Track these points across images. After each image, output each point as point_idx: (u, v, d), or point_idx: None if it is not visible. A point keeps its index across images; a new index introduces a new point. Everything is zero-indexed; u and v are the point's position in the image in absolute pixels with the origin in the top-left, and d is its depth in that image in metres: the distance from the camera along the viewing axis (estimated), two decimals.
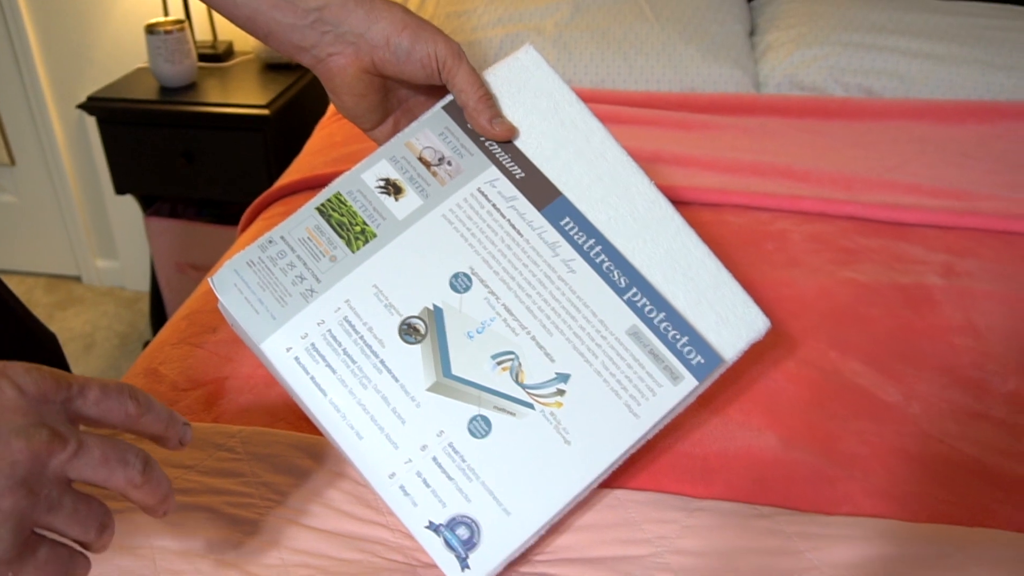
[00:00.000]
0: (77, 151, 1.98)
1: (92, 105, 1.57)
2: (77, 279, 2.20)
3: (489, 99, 0.57)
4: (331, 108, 1.37)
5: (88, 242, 2.12)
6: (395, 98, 0.61)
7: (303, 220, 0.55)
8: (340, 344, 0.52)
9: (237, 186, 1.59)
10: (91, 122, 1.63)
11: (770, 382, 0.68)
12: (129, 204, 1.97)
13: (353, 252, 0.54)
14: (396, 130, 0.60)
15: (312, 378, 0.52)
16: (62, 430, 0.36)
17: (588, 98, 1.27)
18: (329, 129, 1.28)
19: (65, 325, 2.04)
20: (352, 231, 0.55)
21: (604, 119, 0.60)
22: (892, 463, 0.61)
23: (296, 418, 0.66)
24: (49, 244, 2.15)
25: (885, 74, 1.24)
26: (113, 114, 1.57)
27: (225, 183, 1.60)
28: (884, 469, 0.60)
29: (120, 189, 1.67)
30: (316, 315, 0.53)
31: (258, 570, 0.53)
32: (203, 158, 1.57)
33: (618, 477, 0.59)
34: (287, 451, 0.61)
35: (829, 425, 0.64)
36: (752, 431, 0.63)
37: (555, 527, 0.56)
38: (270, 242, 0.54)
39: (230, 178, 1.59)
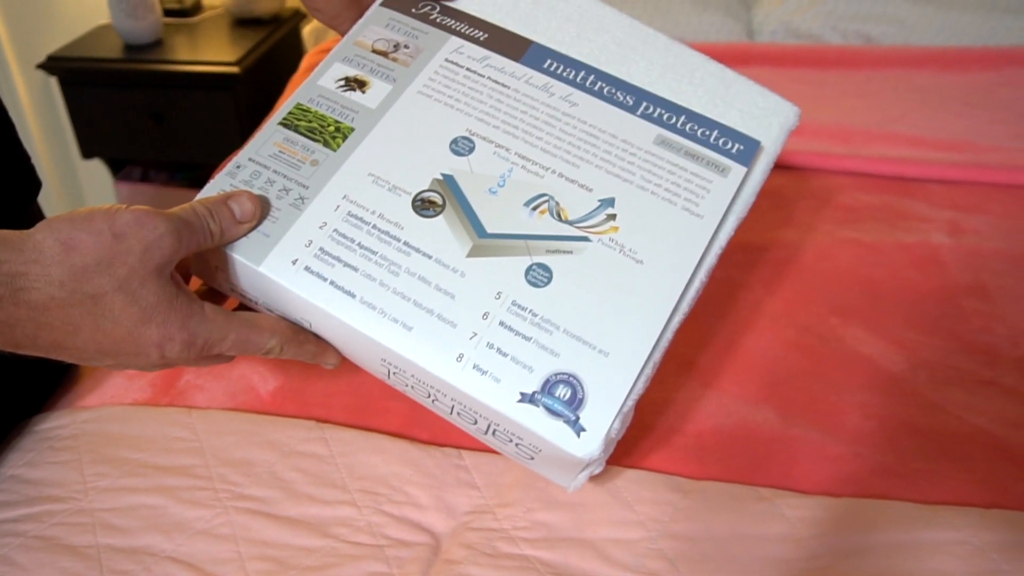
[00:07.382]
0: (43, 113, 1.90)
1: (53, 65, 1.49)
2: None
3: None
4: (303, 64, 1.30)
5: (60, 209, 2.05)
6: None
7: (269, 137, 0.49)
8: (352, 240, 0.46)
9: (208, 148, 1.52)
10: (56, 83, 1.56)
11: (767, 351, 0.64)
12: (101, 169, 1.90)
13: (335, 150, 0.48)
14: None
15: (332, 283, 0.44)
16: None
17: None
18: None
19: None
20: (326, 132, 0.49)
21: None
22: (899, 438, 0.57)
23: (256, 398, 0.61)
24: None
25: (884, 20, 1.18)
26: (75, 74, 1.50)
27: (196, 145, 1.53)
28: (890, 445, 0.56)
29: (87, 153, 1.60)
30: (316, 219, 0.46)
31: (212, 566, 0.48)
32: (172, 119, 1.50)
33: None
34: (246, 434, 0.57)
35: (831, 398, 0.60)
36: (749, 405, 0.59)
37: (542, 500, 0.51)
38: (238, 167, 0.48)
39: (201, 139, 1.52)
